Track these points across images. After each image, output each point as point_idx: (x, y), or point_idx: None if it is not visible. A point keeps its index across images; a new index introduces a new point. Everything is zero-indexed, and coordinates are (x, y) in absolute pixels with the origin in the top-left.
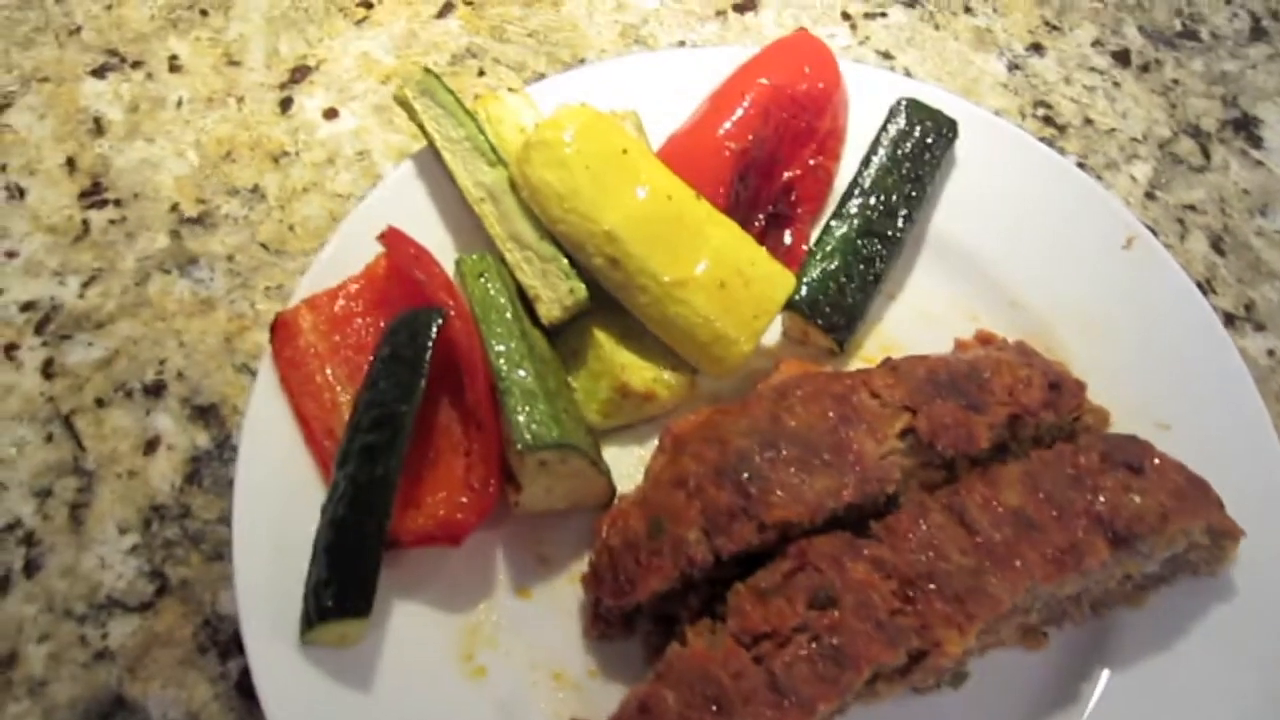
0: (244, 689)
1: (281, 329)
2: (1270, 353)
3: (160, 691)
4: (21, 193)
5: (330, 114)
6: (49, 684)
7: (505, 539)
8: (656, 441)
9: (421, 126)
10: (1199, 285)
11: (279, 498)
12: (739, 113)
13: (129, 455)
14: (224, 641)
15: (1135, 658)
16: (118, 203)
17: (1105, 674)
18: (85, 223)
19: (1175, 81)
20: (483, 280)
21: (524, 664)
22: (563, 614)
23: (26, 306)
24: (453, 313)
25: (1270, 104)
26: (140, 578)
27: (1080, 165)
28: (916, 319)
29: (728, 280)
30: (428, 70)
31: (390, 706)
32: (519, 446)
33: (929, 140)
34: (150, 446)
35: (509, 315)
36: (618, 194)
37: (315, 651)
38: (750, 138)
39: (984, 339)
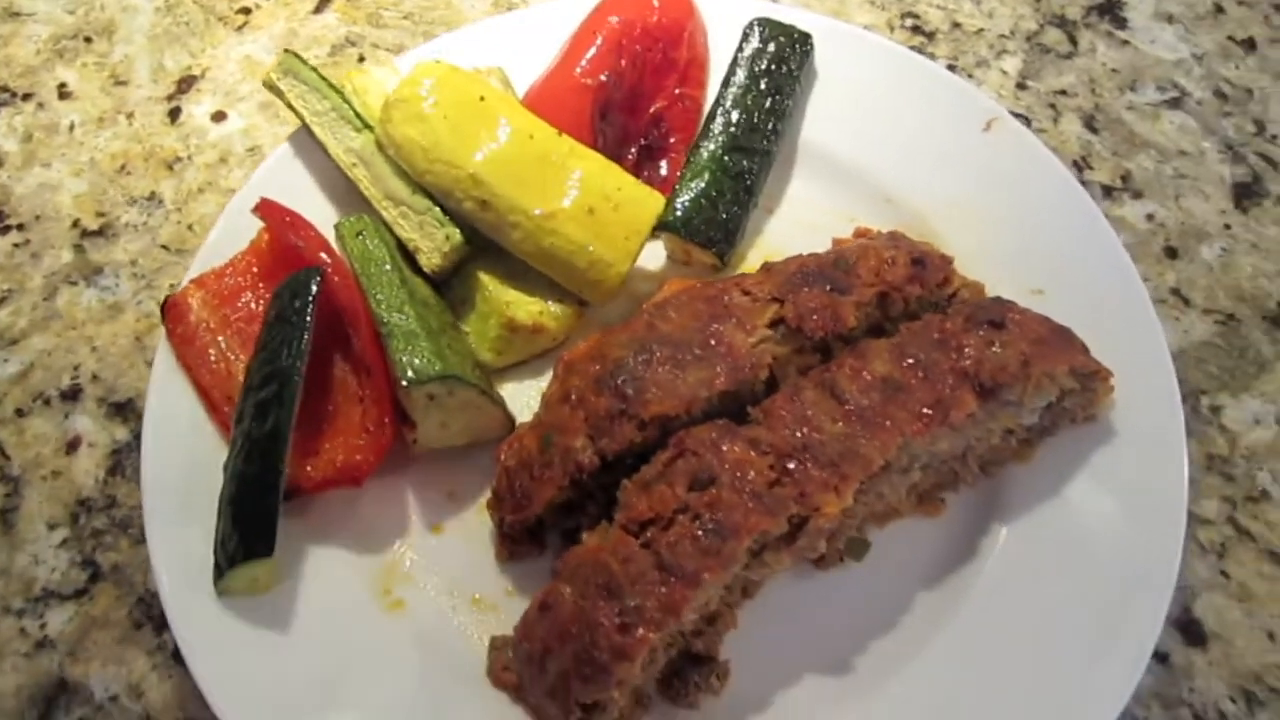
0: (180, 657)
1: (172, 309)
2: (1149, 217)
3: (101, 670)
4: None
5: (219, 117)
6: None
7: (413, 481)
8: (552, 373)
9: (290, 105)
10: (1075, 163)
11: (185, 466)
12: (592, 51)
13: (52, 457)
14: (158, 616)
15: (1029, 509)
16: (20, 227)
17: (1003, 530)
18: None
19: None
20: (360, 238)
21: (442, 592)
22: (475, 543)
23: None
24: (330, 270)
25: None
26: (73, 568)
27: (950, 67)
28: (796, 228)
29: (596, 207)
30: (287, 51)
31: (311, 646)
32: (404, 383)
33: (785, 54)
34: (72, 446)
35: (388, 267)
36: (478, 139)
37: (234, 603)
38: (605, 74)
39: (861, 235)
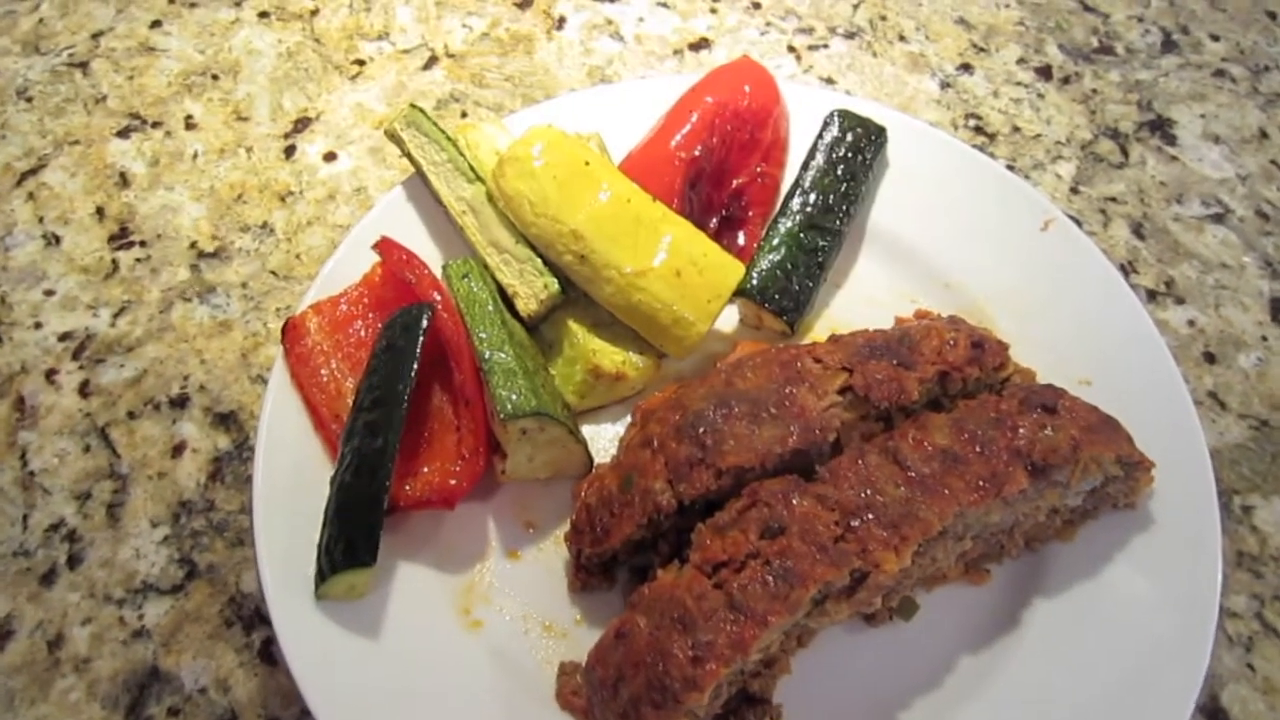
0: (266, 656)
1: (291, 330)
2: (1190, 322)
3: (192, 662)
4: (57, 240)
5: (330, 157)
6: (93, 661)
7: (496, 509)
8: (629, 419)
9: (409, 154)
10: (1122, 267)
11: (291, 476)
12: (687, 127)
13: (158, 459)
14: (247, 616)
15: (1068, 586)
16: (143, 244)
17: (1043, 603)
18: (114, 262)
19: (1094, 91)
20: (466, 280)
21: (516, 616)
22: (549, 572)
23: (64, 336)
24: (440, 306)
25: (1183, 106)
26: (171, 564)
27: (1009, 168)
28: (861, 304)
29: (683, 269)
30: (413, 105)
31: (398, 654)
32: (502, 416)
33: (861, 144)
34: (177, 451)
35: (490, 308)
36: (582, 199)
37: (330, 607)
38: (698, 148)
39: (921, 315)
